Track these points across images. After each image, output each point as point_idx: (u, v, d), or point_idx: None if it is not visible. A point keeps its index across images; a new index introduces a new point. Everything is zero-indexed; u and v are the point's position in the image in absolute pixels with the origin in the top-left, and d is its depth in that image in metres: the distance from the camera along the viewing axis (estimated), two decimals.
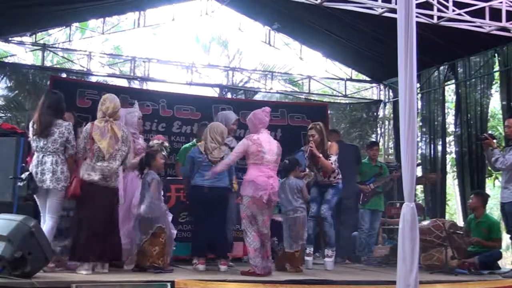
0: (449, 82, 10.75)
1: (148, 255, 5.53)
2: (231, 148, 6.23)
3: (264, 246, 5.75)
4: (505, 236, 7.74)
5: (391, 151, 12.04)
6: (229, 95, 11.79)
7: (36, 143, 5.23)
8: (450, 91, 12.09)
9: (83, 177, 5.22)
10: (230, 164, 5.95)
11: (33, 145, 5.29)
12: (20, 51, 12.14)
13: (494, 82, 10.47)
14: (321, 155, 6.55)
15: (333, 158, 6.64)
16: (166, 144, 6.30)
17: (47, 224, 5.15)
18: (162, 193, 6.00)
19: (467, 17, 6.92)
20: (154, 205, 5.66)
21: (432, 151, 10.62)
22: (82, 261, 5.12)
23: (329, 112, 11.49)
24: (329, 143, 6.72)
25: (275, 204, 6.01)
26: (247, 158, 5.86)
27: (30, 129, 5.31)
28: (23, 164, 5.63)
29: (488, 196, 8.14)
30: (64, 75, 10.85)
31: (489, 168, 9.92)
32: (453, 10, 6.80)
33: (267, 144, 5.80)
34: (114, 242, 5.31)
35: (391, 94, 12.07)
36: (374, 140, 11.77)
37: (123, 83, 11.45)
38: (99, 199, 5.22)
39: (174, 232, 5.94)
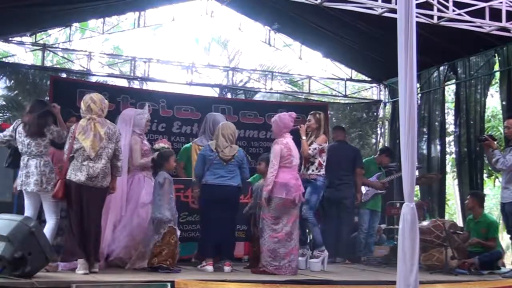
0: (449, 82, 10.73)
1: (157, 255, 5.57)
2: None
3: (284, 246, 5.81)
4: (506, 236, 7.74)
5: None
6: (229, 95, 11.77)
7: (21, 145, 5.28)
8: (450, 91, 12.09)
9: (70, 177, 5.14)
10: (275, 174, 5.92)
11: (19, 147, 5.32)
12: (20, 51, 12.14)
13: (494, 82, 10.46)
14: (304, 137, 6.52)
15: (315, 146, 6.51)
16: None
17: (47, 224, 5.17)
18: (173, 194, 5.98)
19: (467, 17, 6.91)
20: (167, 205, 5.69)
21: (431, 151, 10.62)
22: (70, 261, 5.12)
23: (329, 112, 11.48)
24: (322, 136, 6.64)
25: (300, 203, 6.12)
26: None
27: (21, 130, 5.31)
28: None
29: (484, 195, 8.13)
30: (64, 75, 10.83)
31: (489, 168, 9.93)
32: (453, 10, 6.79)
33: (294, 149, 6.08)
34: (97, 243, 5.26)
35: (391, 94, 12.06)
36: (374, 140, 11.79)
37: (123, 83, 11.42)
38: (86, 199, 5.13)
39: (178, 232, 5.93)
